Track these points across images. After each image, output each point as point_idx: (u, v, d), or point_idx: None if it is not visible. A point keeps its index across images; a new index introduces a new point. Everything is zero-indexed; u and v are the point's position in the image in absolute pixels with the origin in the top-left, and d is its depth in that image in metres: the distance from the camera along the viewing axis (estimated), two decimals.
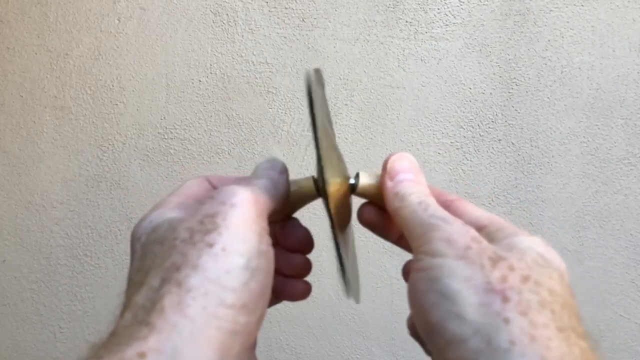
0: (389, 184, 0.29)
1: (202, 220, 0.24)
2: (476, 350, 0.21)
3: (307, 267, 0.33)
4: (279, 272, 0.32)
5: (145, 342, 0.20)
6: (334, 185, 0.29)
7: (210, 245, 0.23)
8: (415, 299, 0.24)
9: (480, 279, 0.22)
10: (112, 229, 0.86)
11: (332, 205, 0.28)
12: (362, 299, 0.86)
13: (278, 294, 0.33)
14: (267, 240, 0.25)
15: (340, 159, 0.34)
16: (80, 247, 0.87)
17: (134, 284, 0.24)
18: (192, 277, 0.22)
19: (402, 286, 0.89)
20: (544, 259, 0.23)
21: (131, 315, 0.22)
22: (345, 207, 0.32)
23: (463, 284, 0.22)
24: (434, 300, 0.23)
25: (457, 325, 0.21)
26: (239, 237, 0.24)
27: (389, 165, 0.30)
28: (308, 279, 0.34)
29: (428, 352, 0.26)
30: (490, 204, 0.84)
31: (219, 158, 0.84)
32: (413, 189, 0.28)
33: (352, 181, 0.33)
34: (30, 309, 0.88)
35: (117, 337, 0.21)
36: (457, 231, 0.24)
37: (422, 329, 0.24)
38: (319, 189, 0.31)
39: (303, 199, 0.32)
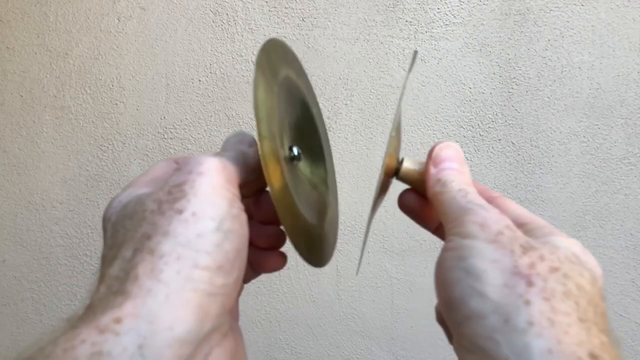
0: (432, 170, 0.29)
1: (169, 190, 0.24)
2: (493, 327, 0.21)
3: (281, 239, 0.33)
4: (253, 245, 0.32)
5: (121, 309, 0.20)
6: (390, 158, 0.30)
7: (180, 212, 0.23)
8: (440, 275, 0.24)
9: (508, 262, 0.22)
10: None
11: (382, 178, 0.29)
12: (362, 299, 0.86)
13: (255, 267, 0.33)
14: (238, 205, 0.26)
15: (399, 140, 0.35)
16: (80, 247, 0.87)
17: (107, 260, 0.24)
18: (163, 243, 0.22)
19: (402, 286, 0.89)
20: (578, 258, 0.23)
21: (105, 288, 0.22)
22: (385, 184, 0.33)
23: (489, 264, 0.22)
24: (458, 276, 0.23)
25: (477, 302, 0.22)
26: (209, 202, 0.24)
27: (434, 153, 0.30)
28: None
29: (450, 337, 0.26)
30: None
31: None
32: (456, 177, 0.29)
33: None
34: (30, 309, 0.88)
35: (93, 308, 0.21)
36: (492, 217, 0.24)
37: (442, 305, 0.24)
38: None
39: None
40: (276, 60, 0.33)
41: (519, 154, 0.83)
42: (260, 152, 0.27)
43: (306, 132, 0.36)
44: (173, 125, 0.84)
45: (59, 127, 0.84)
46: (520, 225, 0.26)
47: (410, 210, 0.33)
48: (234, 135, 0.31)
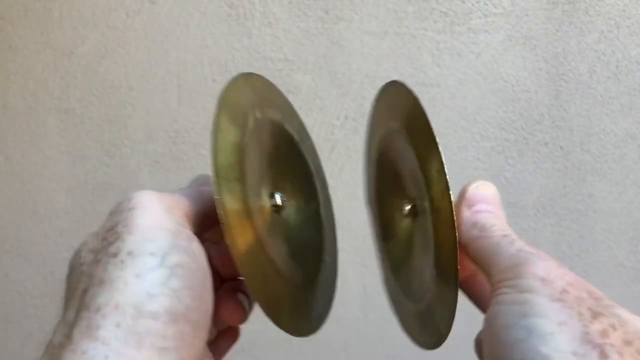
0: (466, 212, 0.28)
1: (104, 236, 0.22)
2: None
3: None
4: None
5: None
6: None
7: (115, 255, 0.21)
8: (494, 332, 0.22)
9: (578, 327, 0.20)
10: None
11: None
12: (392, 320, 0.82)
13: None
14: (186, 236, 0.23)
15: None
16: None
17: (56, 326, 0.22)
18: (98, 294, 0.20)
19: None
20: None
21: (47, 358, 0.20)
22: None
23: (556, 327, 0.20)
24: (519, 336, 0.21)
25: None
26: (146, 237, 0.22)
27: (468, 193, 0.28)
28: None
29: None
30: (535, 214, 0.80)
31: None
32: (494, 221, 0.27)
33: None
34: (35, 327, 0.86)
35: None
36: (554, 270, 0.22)
37: None
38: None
39: None
40: (247, 98, 0.29)
41: (568, 159, 0.80)
42: (218, 210, 0.24)
43: (291, 168, 0.32)
44: (185, 129, 0.81)
45: (64, 131, 0.82)
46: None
47: None
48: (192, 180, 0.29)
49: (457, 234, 0.25)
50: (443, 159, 0.26)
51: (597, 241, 0.80)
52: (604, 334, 0.20)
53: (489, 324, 0.23)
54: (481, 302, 0.30)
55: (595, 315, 0.21)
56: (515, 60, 0.78)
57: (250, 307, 0.29)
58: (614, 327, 0.20)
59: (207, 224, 0.27)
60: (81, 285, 0.21)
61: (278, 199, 0.30)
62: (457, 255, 0.25)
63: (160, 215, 0.23)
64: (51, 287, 0.85)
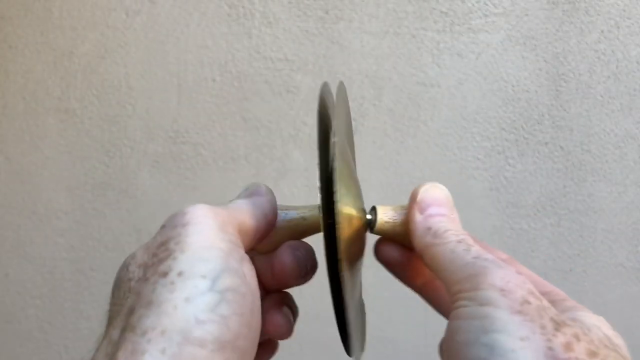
0: (418, 217, 0.26)
1: (154, 252, 0.21)
2: None
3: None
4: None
5: None
6: (346, 221, 0.24)
7: (165, 275, 0.20)
8: (453, 350, 0.21)
9: (540, 342, 0.19)
10: (119, 241, 0.83)
11: (342, 247, 0.24)
12: (392, 321, 0.81)
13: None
14: (239, 256, 0.22)
15: (357, 186, 0.30)
16: (86, 261, 0.84)
17: (99, 341, 0.21)
18: (145, 316, 0.19)
19: None
20: (611, 342, 0.21)
21: None
22: (356, 244, 0.28)
23: (518, 343, 0.19)
24: (479, 354, 0.20)
25: None
26: (198, 257, 0.21)
27: (419, 196, 0.27)
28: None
29: None
30: (536, 214, 0.80)
31: (235, 164, 0.80)
32: (448, 225, 0.26)
33: (368, 217, 0.29)
34: (34, 327, 0.85)
35: None
36: (513, 280, 0.21)
37: None
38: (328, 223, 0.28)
39: (304, 233, 0.29)
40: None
41: (568, 160, 0.79)
42: (340, 234, 0.23)
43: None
44: (185, 129, 0.81)
45: (64, 131, 0.82)
46: (542, 294, 0.23)
47: (389, 264, 0.29)
48: (244, 188, 0.28)
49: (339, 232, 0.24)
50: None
51: (597, 241, 0.80)
52: (568, 347, 0.19)
53: (448, 339, 0.22)
54: (442, 308, 0.29)
55: (558, 326, 0.20)
56: (515, 60, 0.78)
57: (295, 319, 0.29)
58: (577, 338, 0.20)
59: (258, 237, 0.26)
60: (128, 303, 0.20)
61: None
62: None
63: (213, 233, 0.22)
64: (51, 287, 0.84)
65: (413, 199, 0.27)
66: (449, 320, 0.22)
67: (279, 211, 0.28)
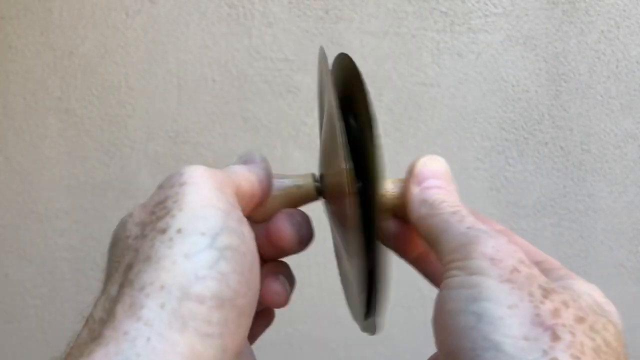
0: (414, 189, 0.27)
1: (152, 210, 0.21)
2: None
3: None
4: None
5: (89, 359, 0.17)
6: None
7: (163, 231, 0.20)
8: (443, 319, 0.21)
9: (528, 309, 0.19)
10: None
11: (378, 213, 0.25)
12: (392, 320, 0.81)
13: None
14: (237, 216, 0.22)
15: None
16: (86, 261, 0.84)
17: (96, 299, 0.21)
18: (144, 271, 0.19)
19: None
20: (601, 308, 0.21)
21: (87, 332, 0.19)
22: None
23: (506, 310, 0.19)
24: (468, 323, 0.20)
25: (493, 356, 0.19)
26: (197, 214, 0.21)
27: (416, 169, 0.27)
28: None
29: None
30: (536, 214, 0.80)
31: None
32: (444, 197, 0.26)
33: None
34: (34, 327, 0.85)
35: (68, 357, 0.19)
36: (503, 249, 0.21)
37: (447, 356, 0.21)
38: (320, 189, 0.29)
39: (299, 201, 0.29)
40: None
41: (568, 159, 0.79)
42: (345, 177, 0.24)
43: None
44: (185, 129, 0.81)
45: (64, 131, 0.82)
46: (534, 263, 0.23)
47: (386, 236, 0.28)
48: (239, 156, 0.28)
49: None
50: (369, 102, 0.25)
51: (597, 241, 0.80)
52: (555, 313, 0.19)
53: (438, 310, 0.22)
54: (436, 281, 0.29)
55: (547, 293, 0.20)
56: (515, 60, 0.78)
57: (292, 289, 0.28)
58: (566, 305, 0.20)
59: (254, 203, 0.26)
60: (126, 260, 0.20)
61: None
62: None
63: (212, 192, 0.22)
64: (51, 287, 0.84)
65: (411, 171, 0.28)
66: (440, 290, 0.22)
67: (273, 180, 0.28)
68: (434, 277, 0.29)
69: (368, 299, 0.26)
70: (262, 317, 0.29)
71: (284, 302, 0.28)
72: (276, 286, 0.27)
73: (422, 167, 0.27)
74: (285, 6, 0.78)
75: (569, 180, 0.80)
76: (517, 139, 0.79)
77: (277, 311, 0.88)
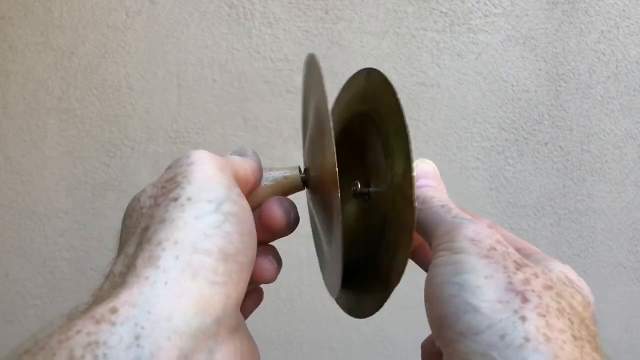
0: None
1: (162, 185, 0.25)
2: (489, 343, 0.21)
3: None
4: None
5: (117, 298, 0.20)
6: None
7: (175, 199, 0.23)
8: (431, 291, 0.24)
9: (502, 278, 0.23)
10: None
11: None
12: (391, 320, 0.81)
13: None
14: (236, 191, 0.25)
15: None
16: (86, 261, 0.83)
17: (114, 261, 0.24)
18: (160, 230, 0.22)
19: None
20: (571, 282, 0.24)
21: (108, 284, 0.22)
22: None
23: (483, 280, 0.23)
24: (452, 291, 0.23)
25: (471, 317, 0.22)
26: (204, 187, 0.24)
27: None
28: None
29: None
30: (535, 214, 0.79)
31: None
32: (434, 193, 0.30)
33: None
34: (35, 326, 0.85)
35: (93, 303, 0.21)
36: (483, 231, 0.25)
37: (435, 322, 0.24)
38: (305, 180, 0.32)
39: (287, 190, 0.32)
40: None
41: (567, 159, 0.79)
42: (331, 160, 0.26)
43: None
44: (185, 129, 0.80)
45: (64, 131, 0.81)
46: (516, 250, 0.26)
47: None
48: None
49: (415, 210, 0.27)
50: (410, 142, 0.27)
51: (597, 241, 0.80)
52: (526, 282, 0.22)
53: (427, 284, 0.25)
54: None
55: (520, 267, 0.23)
56: (515, 60, 0.77)
57: (279, 267, 0.31)
58: (536, 275, 0.23)
59: (247, 189, 0.29)
60: (142, 225, 0.23)
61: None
62: (412, 231, 0.27)
63: (215, 171, 0.25)
64: (51, 287, 0.84)
65: None
66: (429, 269, 0.25)
67: (264, 171, 0.31)
68: (428, 265, 0.32)
69: (343, 275, 0.30)
70: (254, 295, 0.32)
71: (273, 278, 0.31)
72: (266, 264, 0.30)
73: (415, 169, 0.30)
74: (285, 6, 0.78)
75: (568, 180, 0.79)
76: (517, 139, 0.78)
77: (277, 311, 0.88)
